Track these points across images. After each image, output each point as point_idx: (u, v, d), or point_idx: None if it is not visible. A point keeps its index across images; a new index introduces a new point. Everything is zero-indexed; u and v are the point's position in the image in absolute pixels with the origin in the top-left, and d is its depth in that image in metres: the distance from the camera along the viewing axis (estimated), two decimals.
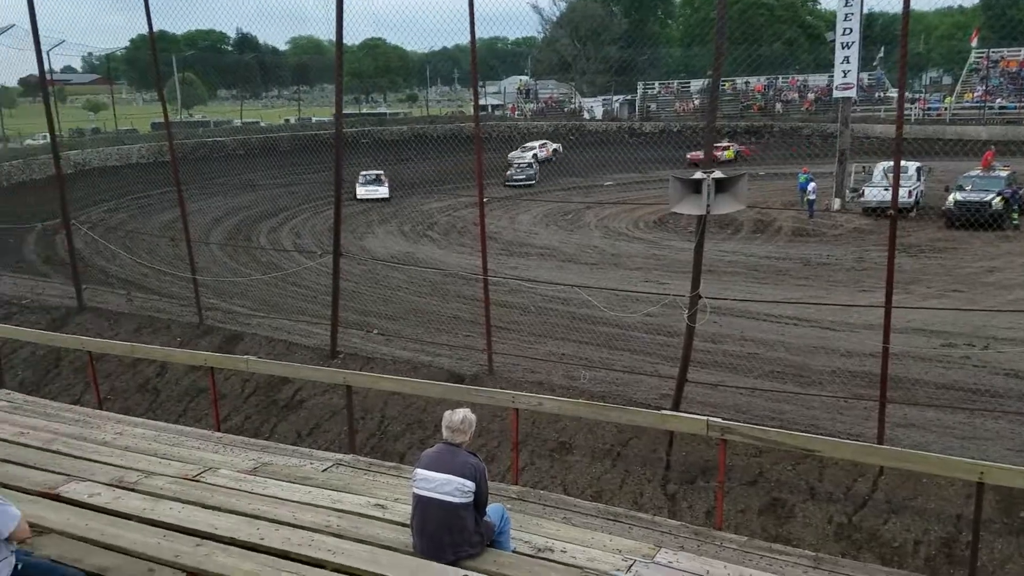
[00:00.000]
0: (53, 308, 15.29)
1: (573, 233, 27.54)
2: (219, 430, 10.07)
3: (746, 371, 12.34)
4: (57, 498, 5.61)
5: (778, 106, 54.96)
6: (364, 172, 36.21)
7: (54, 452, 6.99)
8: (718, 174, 8.38)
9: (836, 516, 8.26)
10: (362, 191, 35.00)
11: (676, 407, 9.62)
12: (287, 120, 62.44)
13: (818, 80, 54.01)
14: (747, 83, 57.73)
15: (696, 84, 58.54)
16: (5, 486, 5.51)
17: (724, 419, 7.79)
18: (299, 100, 73.74)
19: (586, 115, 59.58)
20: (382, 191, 35.04)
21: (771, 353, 13.13)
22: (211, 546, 4.78)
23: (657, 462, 9.22)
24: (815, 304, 14.93)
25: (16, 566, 4.05)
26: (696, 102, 56.38)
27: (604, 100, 60.93)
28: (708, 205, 8.35)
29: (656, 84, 61.50)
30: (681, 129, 47.05)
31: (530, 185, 37.40)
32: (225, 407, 11.32)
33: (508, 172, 38.88)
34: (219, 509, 5.54)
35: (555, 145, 46.02)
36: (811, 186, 27.62)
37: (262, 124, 60.15)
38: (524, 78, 74.30)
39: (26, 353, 13.72)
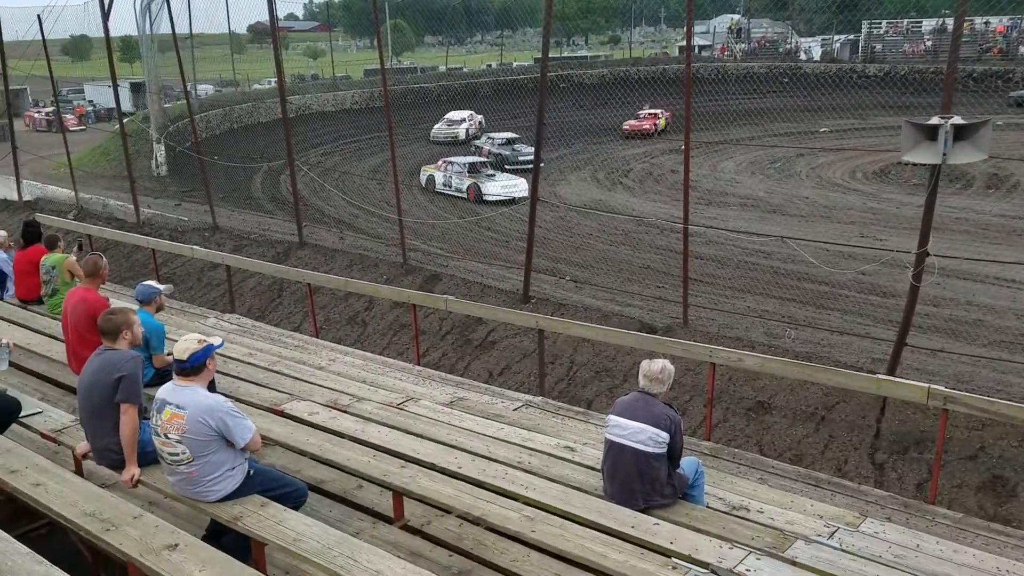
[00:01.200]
0: (277, 243, 16.64)
1: (781, 183, 26.12)
2: (419, 363, 10.61)
3: (970, 338, 11.27)
4: (281, 414, 6.12)
5: (1022, 49, 48.70)
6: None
7: (277, 373, 7.64)
8: (957, 120, 7.52)
9: None
10: None
11: (892, 372, 8.92)
12: (489, 65, 63.40)
13: None
14: (987, 23, 51.46)
15: (928, 24, 53.01)
16: (238, 400, 6.08)
17: (947, 387, 7.13)
18: (501, 45, 74.56)
19: (802, 56, 55.80)
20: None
21: (1000, 321, 11.90)
22: (415, 469, 5.03)
23: (866, 429, 8.64)
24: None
25: (249, 472, 4.46)
26: (928, 43, 51.11)
27: (823, 40, 56.75)
28: (944, 154, 7.54)
29: (883, 23, 56.30)
30: (909, 72, 42.94)
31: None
32: (424, 343, 11.86)
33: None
34: (421, 436, 5.82)
35: (479, 117, 38.70)
36: None
37: (465, 69, 61.41)
38: (736, 16, 70.50)
39: (253, 283, 15.05)
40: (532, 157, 22.87)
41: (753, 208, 21.97)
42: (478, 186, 24.72)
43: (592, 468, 5.41)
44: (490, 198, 24.02)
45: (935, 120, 7.67)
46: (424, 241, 18.11)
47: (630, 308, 12.65)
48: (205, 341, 4.43)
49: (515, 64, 59.91)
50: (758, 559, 4.04)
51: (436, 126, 37.26)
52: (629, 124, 36.94)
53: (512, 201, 23.26)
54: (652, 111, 37.54)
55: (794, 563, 4.17)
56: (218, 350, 4.52)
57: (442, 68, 62.33)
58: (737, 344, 10.18)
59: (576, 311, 12.20)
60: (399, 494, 4.93)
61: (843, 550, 4.49)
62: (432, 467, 5.14)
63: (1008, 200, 22.26)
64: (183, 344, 4.40)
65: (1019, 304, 12.87)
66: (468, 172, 25.55)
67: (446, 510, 4.90)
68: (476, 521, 4.71)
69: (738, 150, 29.92)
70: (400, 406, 6.84)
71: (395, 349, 12.37)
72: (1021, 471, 7.82)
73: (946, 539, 5.39)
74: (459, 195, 24.93)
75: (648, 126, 36.88)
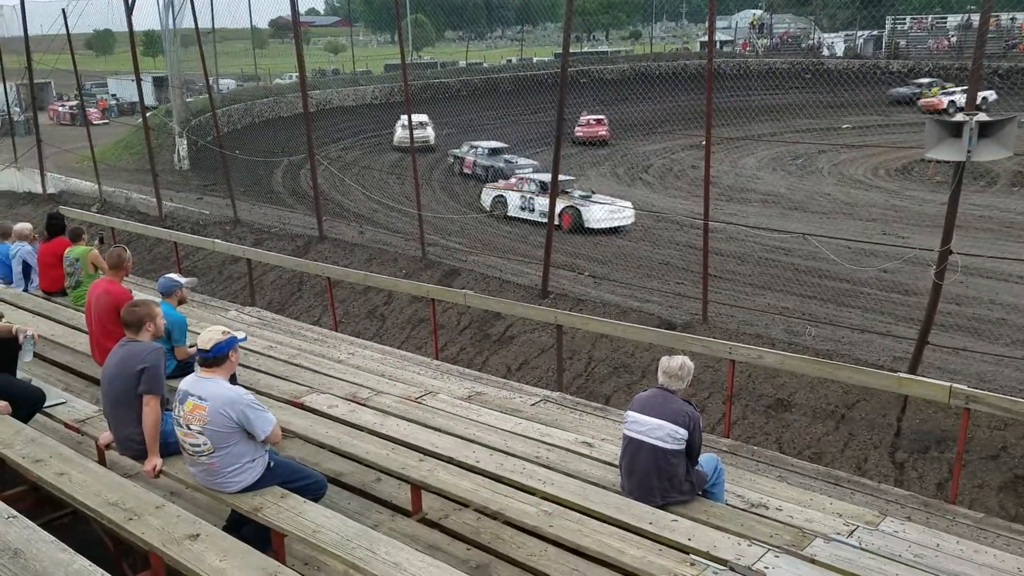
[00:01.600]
0: (297, 236, 16.73)
1: (802, 179, 25.94)
2: (437, 358, 10.62)
3: (994, 337, 11.14)
4: (301, 407, 6.17)
5: None
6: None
7: (297, 366, 7.69)
8: (982, 116, 7.44)
9: None
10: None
11: (913, 371, 8.84)
12: (509, 60, 63.30)
13: None
14: (1012, 19, 50.66)
15: (953, 20, 52.31)
16: (258, 392, 6.13)
17: (969, 387, 7.06)
18: (521, 40, 74.49)
19: (825, 51, 55.25)
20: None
21: None
22: (433, 463, 5.06)
23: (886, 428, 8.57)
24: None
25: (269, 464, 4.50)
26: (953, 39, 50.45)
27: (846, 36, 56.17)
28: (969, 151, 7.45)
29: (907, 19, 55.63)
30: (933, 69, 42.44)
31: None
32: (443, 337, 11.89)
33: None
34: (439, 430, 5.85)
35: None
36: None
37: (485, 65, 61.37)
38: (758, 12, 69.94)
39: (274, 276, 15.15)
40: (530, 169, 22.92)
41: (774, 204, 21.83)
42: (578, 211, 19.32)
43: (610, 464, 5.41)
44: (595, 225, 18.94)
45: (960, 117, 7.59)
46: (443, 236, 18.15)
47: (649, 304, 12.62)
48: (229, 333, 4.47)
49: (535, 59, 59.75)
50: (777, 556, 4.03)
51: (398, 133, 32.35)
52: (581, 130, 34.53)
53: (615, 231, 19.27)
54: (596, 117, 35.30)
55: (813, 561, 4.16)
56: (241, 343, 4.57)
57: (462, 63, 62.33)
58: (757, 341, 10.13)
59: (595, 307, 12.18)
60: (417, 487, 4.96)
61: (862, 549, 4.46)
62: (450, 461, 5.16)
63: None
64: (207, 334, 4.45)
65: None
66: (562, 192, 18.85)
67: (464, 504, 4.93)
68: (494, 515, 4.73)
69: (759, 146, 29.73)
70: (418, 400, 6.87)
71: (414, 343, 12.41)
72: None
73: (967, 539, 5.35)
74: (541, 220, 18.08)
75: (603, 132, 34.78)
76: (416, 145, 27.78)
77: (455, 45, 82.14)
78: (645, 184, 26.27)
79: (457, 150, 29.68)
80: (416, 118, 33.72)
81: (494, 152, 28.23)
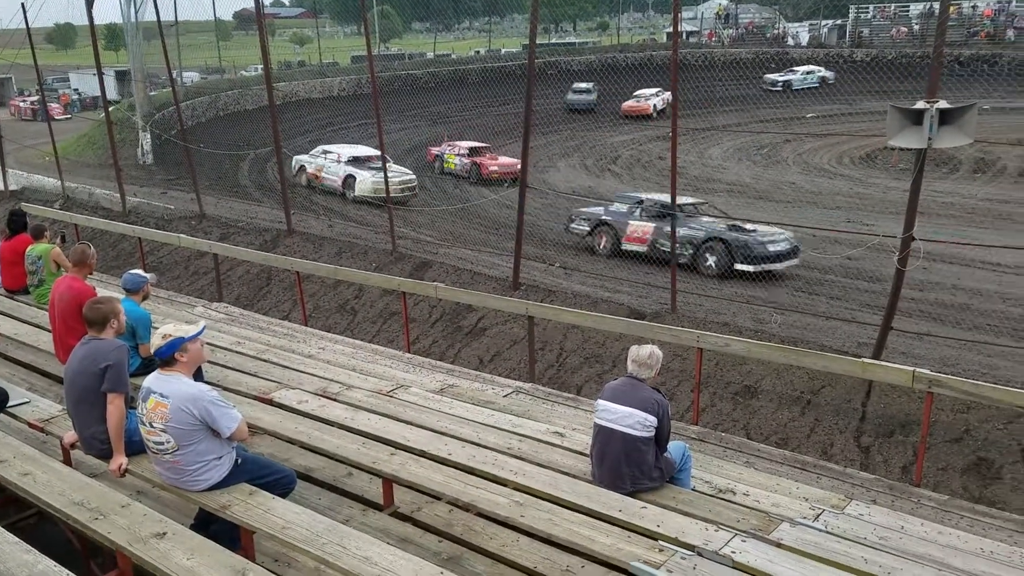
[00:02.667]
0: (265, 230, 16.57)
1: (768, 169, 26.21)
2: (409, 351, 10.58)
3: (956, 322, 11.35)
4: (270, 403, 6.12)
5: (1010, 33, 48.71)
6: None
7: (266, 361, 7.63)
8: (943, 104, 7.56)
9: None
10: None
11: (877, 356, 8.99)
12: (477, 52, 63.06)
13: None
14: (974, 7, 51.53)
15: (916, 7, 53.00)
16: (226, 389, 6.08)
17: (932, 371, 7.20)
18: (489, 31, 74.20)
19: (790, 41, 55.73)
20: None
21: (986, 304, 12.00)
22: (404, 456, 5.05)
23: (851, 412, 8.72)
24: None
25: (236, 460, 4.47)
26: (915, 27, 51.14)
27: (811, 25, 56.69)
28: (930, 138, 7.58)
29: (870, 8, 56.28)
30: (896, 57, 43.01)
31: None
32: (414, 330, 11.85)
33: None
34: (411, 423, 5.84)
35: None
36: None
37: (453, 56, 61.06)
38: (723, 2, 70.34)
39: (241, 271, 14.99)
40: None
41: (740, 194, 22.02)
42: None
43: (581, 453, 5.44)
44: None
45: (920, 104, 7.71)
46: (414, 228, 18.08)
47: (619, 294, 12.69)
48: (171, 336, 4.39)
49: (504, 51, 59.57)
50: (744, 541, 4.09)
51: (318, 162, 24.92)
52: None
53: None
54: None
55: (779, 545, 4.22)
56: (199, 337, 4.50)
57: (430, 55, 61.99)
58: (724, 329, 10.24)
59: (566, 297, 12.23)
60: (388, 481, 4.96)
61: (828, 532, 4.54)
62: (422, 454, 5.16)
63: (994, 184, 22.45)
64: (154, 338, 4.42)
65: (1004, 288, 12.98)
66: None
67: (436, 496, 4.93)
68: (466, 507, 4.74)
69: (725, 136, 29.98)
70: (390, 393, 6.84)
71: (385, 337, 12.36)
72: (1006, 453, 7.91)
73: (931, 521, 5.45)
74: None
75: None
76: None
77: (423, 36, 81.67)
78: (614, 175, 26.36)
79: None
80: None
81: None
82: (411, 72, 49.56)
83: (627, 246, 15.75)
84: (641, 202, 16.14)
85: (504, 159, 25.27)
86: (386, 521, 4.83)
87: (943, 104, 7.64)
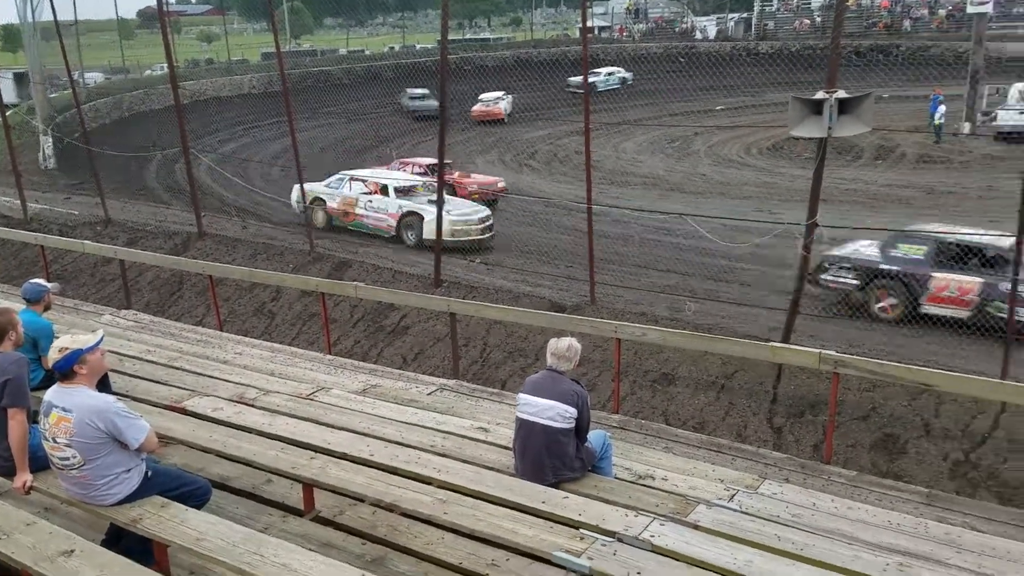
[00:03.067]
0: (175, 234, 16.06)
1: (680, 161, 26.80)
2: (330, 353, 10.46)
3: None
4: (183, 411, 5.94)
5: (906, 23, 51.02)
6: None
7: (179, 369, 7.40)
8: (842, 94, 7.89)
9: (952, 453, 7.92)
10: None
11: (786, 340, 9.33)
12: (391, 48, 62.47)
13: None
14: None
15: (817, 0, 54.97)
16: (135, 399, 5.87)
17: (837, 352, 7.51)
18: (403, 27, 73.61)
19: (698, 35, 57.04)
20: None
21: None
22: (325, 460, 4.98)
23: (763, 395, 9.02)
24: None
25: (146, 473, 4.32)
26: (817, 19, 53.01)
27: (718, 19, 58.13)
28: (830, 127, 7.90)
29: (775, 1, 58.09)
30: (800, 49, 44.50)
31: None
32: (335, 331, 11.70)
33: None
34: (332, 426, 5.76)
35: None
36: (940, 109, 25.80)
37: (367, 52, 60.37)
38: None
39: (151, 276, 14.49)
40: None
41: (654, 187, 22.49)
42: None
43: (505, 447, 5.48)
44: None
45: (820, 95, 8.02)
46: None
47: (540, 288, 12.80)
48: (67, 350, 4.22)
49: (419, 46, 59.17)
50: (662, 525, 4.18)
51: None
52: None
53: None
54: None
55: (696, 527, 4.33)
56: (99, 347, 4.33)
57: (343, 51, 61.13)
58: (642, 319, 10.45)
59: (488, 293, 12.26)
60: (309, 486, 4.89)
61: (743, 512, 4.69)
62: (343, 456, 5.10)
63: (895, 170, 23.47)
64: (51, 352, 4.25)
65: None
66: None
67: (359, 499, 4.88)
68: (390, 507, 4.70)
69: (638, 131, 30.51)
70: (310, 397, 6.74)
71: (305, 339, 12.16)
72: (910, 428, 8.31)
73: (841, 497, 5.72)
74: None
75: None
76: None
77: (335, 32, 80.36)
78: (532, 170, 26.55)
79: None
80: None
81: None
82: (324, 69, 48.79)
83: (933, 308, 11.08)
84: (941, 245, 11.36)
85: (481, 177, 21.96)
86: (307, 527, 4.76)
87: (841, 94, 7.97)
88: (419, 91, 37.92)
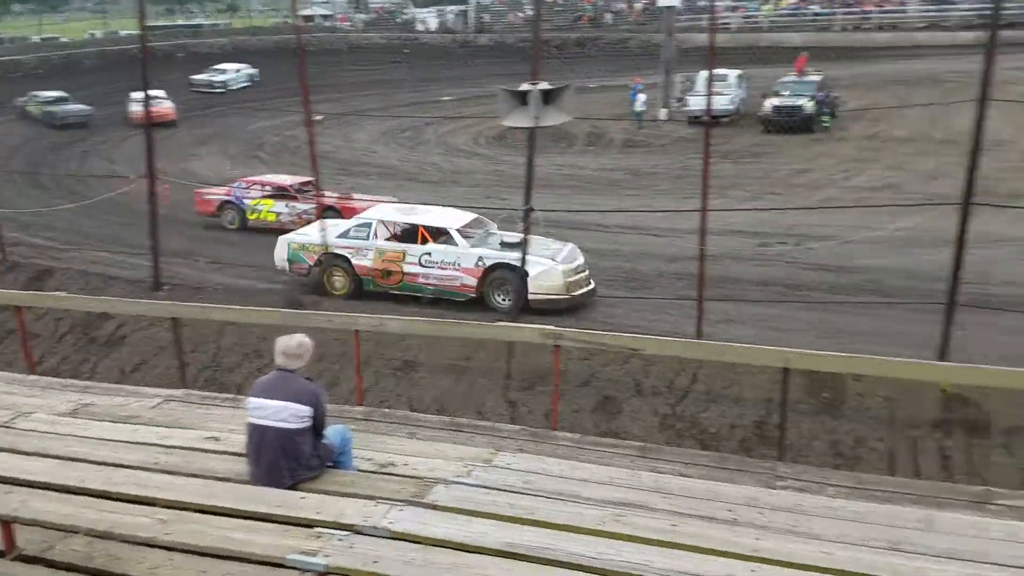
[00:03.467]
0: None
1: (413, 151, 27.13)
2: (34, 372, 9.44)
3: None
4: None
5: (607, 16, 55.28)
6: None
7: None
8: (545, 85, 8.43)
9: (660, 408, 8.80)
10: None
11: (515, 319, 9.86)
12: (92, 34, 56.99)
13: None
14: None
15: None
16: None
17: (556, 327, 8.08)
18: (105, 12, 67.35)
19: (420, 27, 57.79)
20: None
21: (605, 262, 13.64)
22: (24, 492, 4.46)
23: (498, 372, 9.46)
24: (642, 212, 15.61)
25: None
26: (530, 12, 55.84)
27: (438, 11, 59.25)
28: (536, 117, 8.41)
29: None
30: (516, 41, 46.68)
31: None
32: (38, 348, 10.57)
33: None
34: (34, 454, 5.19)
35: None
36: (640, 97, 28.26)
37: (64, 39, 54.71)
38: None
39: None
40: None
41: (391, 176, 22.55)
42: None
43: (240, 455, 5.24)
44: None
45: (525, 86, 8.52)
46: (31, 232, 15.95)
47: (278, 284, 12.43)
48: None
49: (123, 33, 54.34)
50: (401, 510, 4.24)
51: None
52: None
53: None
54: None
55: (434, 507, 4.45)
56: None
57: (36, 38, 54.83)
58: (383, 310, 10.51)
59: (217, 293, 11.68)
60: (7, 523, 4.37)
61: (479, 486, 4.87)
62: (47, 486, 4.60)
63: (605, 155, 25.46)
64: None
65: (619, 246, 14.86)
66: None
67: (72, 531, 4.44)
68: (106, 535, 4.34)
69: (369, 121, 30.38)
70: (7, 424, 6.01)
71: (2, 360, 10.80)
72: (624, 390, 9.13)
73: (567, 459, 6.14)
74: None
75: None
76: None
77: (24, 18, 71.47)
78: (262, 162, 25.49)
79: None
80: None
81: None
82: (14, 58, 43.52)
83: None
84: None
85: (372, 197, 17.00)
86: (10, 567, 4.27)
87: (544, 85, 8.52)
88: (53, 94, 33.16)
